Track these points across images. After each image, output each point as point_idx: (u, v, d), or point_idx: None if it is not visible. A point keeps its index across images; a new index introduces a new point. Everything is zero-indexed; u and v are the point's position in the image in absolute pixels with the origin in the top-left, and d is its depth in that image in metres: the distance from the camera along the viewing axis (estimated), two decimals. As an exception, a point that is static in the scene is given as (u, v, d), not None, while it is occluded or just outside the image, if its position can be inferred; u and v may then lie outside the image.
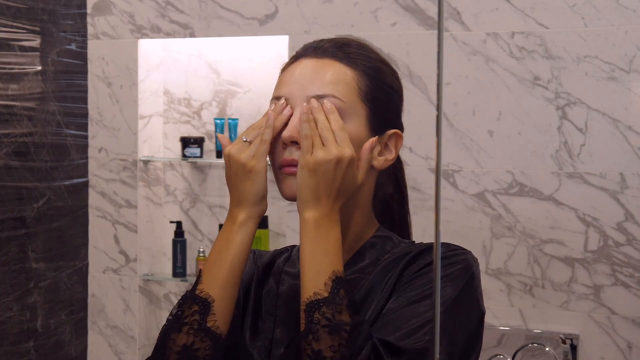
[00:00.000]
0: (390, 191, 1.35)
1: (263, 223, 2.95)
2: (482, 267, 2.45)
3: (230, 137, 2.98)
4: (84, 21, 3.06)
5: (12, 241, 2.75)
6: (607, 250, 2.53)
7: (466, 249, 1.23)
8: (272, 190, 1.25)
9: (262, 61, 3.05)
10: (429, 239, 1.27)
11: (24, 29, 2.78)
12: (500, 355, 2.59)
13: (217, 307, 1.18)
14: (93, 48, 3.08)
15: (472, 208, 2.64)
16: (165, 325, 1.21)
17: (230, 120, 3.01)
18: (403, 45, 2.70)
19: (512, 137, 2.60)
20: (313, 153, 1.16)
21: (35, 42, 2.84)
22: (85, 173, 3.10)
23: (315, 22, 2.80)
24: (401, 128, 1.30)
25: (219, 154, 3.05)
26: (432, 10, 2.67)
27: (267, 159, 1.23)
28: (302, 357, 1.11)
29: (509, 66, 2.59)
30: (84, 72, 3.08)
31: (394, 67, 1.32)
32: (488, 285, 2.62)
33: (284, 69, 1.29)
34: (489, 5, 2.61)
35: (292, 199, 1.21)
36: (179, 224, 3.11)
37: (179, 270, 3.08)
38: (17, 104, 2.76)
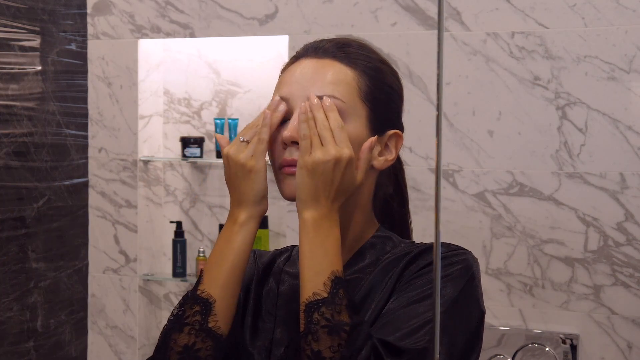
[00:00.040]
0: (390, 191, 1.35)
1: (263, 223, 2.95)
2: (482, 267, 2.45)
3: (230, 137, 2.98)
4: (84, 21, 3.06)
5: (12, 241, 2.75)
6: (607, 250, 2.53)
7: (466, 249, 1.23)
8: (272, 190, 1.25)
9: (262, 61, 3.05)
10: (429, 239, 1.27)
11: (24, 29, 2.78)
12: (500, 355, 2.59)
13: (218, 307, 1.18)
14: (93, 48, 3.08)
15: (472, 208, 2.64)
16: (166, 325, 1.20)
17: (230, 120, 3.01)
18: (403, 45, 2.70)
19: (512, 137, 2.60)
20: (311, 153, 1.16)
21: (35, 42, 2.84)
22: (85, 173, 3.10)
23: (315, 22, 2.80)
24: (401, 128, 1.29)
25: (219, 154, 3.05)
26: (432, 10, 2.67)
27: (267, 158, 1.23)
28: (302, 357, 1.11)
29: (509, 66, 2.59)
30: (84, 72, 3.08)
31: (394, 67, 1.31)
32: (488, 285, 2.62)
33: (284, 69, 1.29)
34: (489, 5, 2.61)
35: (292, 199, 1.21)
36: (179, 224, 3.11)
37: (179, 270, 3.08)
38: (17, 104, 2.76)
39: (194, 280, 3.07)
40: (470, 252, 1.23)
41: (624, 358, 2.53)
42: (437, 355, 0.88)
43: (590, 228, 2.54)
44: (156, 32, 3.00)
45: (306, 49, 1.28)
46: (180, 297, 3.18)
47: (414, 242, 1.32)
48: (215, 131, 3.04)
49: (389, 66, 1.30)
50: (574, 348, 2.55)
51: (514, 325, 2.62)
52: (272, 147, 1.23)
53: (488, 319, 2.48)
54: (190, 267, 3.13)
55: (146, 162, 3.11)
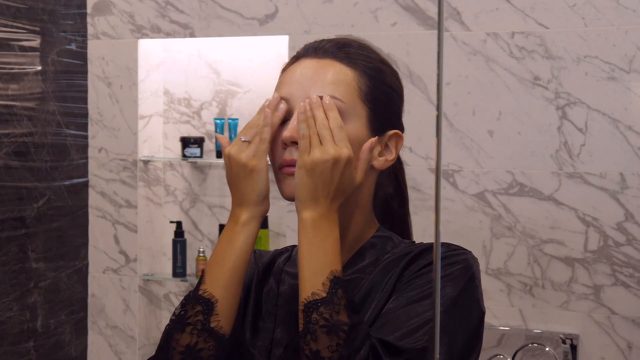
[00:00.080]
0: (390, 191, 1.35)
1: (263, 223, 2.93)
2: (482, 267, 2.45)
3: (230, 137, 2.98)
4: (84, 21, 3.06)
5: (12, 241, 2.75)
6: (607, 250, 2.53)
7: (466, 249, 1.23)
8: (272, 190, 1.25)
9: (262, 61, 3.05)
10: (429, 239, 1.27)
11: (24, 29, 2.78)
12: (500, 355, 2.59)
13: (220, 307, 1.18)
14: (93, 48, 3.08)
15: (472, 208, 2.64)
16: (168, 325, 1.20)
17: (230, 120, 3.01)
18: (403, 45, 2.70)
19: (512, 137, 2.60)
20: (310, 153, 1.16)
21: (35, 42, 2.84)
22: (85, 173, 3.10)
23: (315, 22, 2.80)
24: (401, 128, 1.29)
25: (219, 154, 3.05)
26: (432, 10, 2.67)
27: (267, 157, 1.23)
28: (301, 357, 1.11)
29: (509, 66, 2.59)
30: (84, 72, 3.08)
31: (395, 68, 1.31)
32: (488, 285, 2.62)
33: (284, 69, 1.29)
34: (489, 5, 2.61)
35: (292, 199, 1.20)
36: (179, 224, 3.11)
37: (179, 270, 3.08)
38: (17, 104, 2.76)
39: (194, 280, 3.07)
40: (470, 252, 1.23)
41: (624, 358, 2.53)
42: (437, 355, 0.88)
43: (590, 228, 2.54)
44: (156, 32, 3.00)
45: (306, 49, 1.27)
46: (180, 297, 3.19)
47: (414, 242, 1.32)
48: (216, 131, 3.04)
49: (389, 66, 1.30)
50: (574, 348, 2.55)
51: (514, 325, 2.62)
52: (272, 147, 1.23)
53: (488, 319, 2.48)
54: (190, 267, 3.13)
55: (146, 162, 3.11)
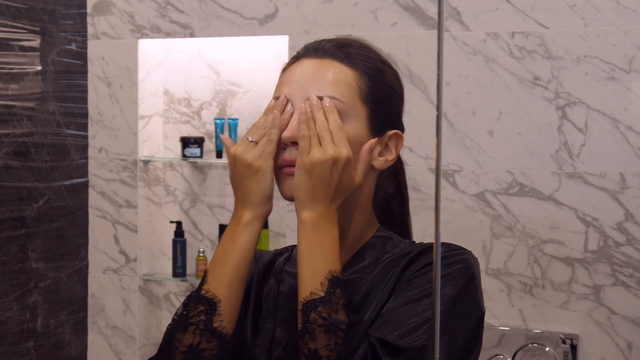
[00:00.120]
0: (390, 191, 1.35)
1: (263, 223, 2.94)
2: (482, 267, 2.45)
3: (230, 137, 2.98)
4: (84, 21, 3.06)
5: (12, 241, 2.75)
6: (607, 250, 2.53)
7: (466, 249, 1.23)
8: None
9: (262, 61, 3.05)
10: (429, 239, 1.28)
11: (24, 29, 2.78)
12: (500, 355, 2.59)
13: (223, 307, 1.18)
14: (93, 48, 3.08)
15: (472, 208, 2.64)
16: (170, 325, 1.20)
17: (230, 120, 3.01)
18: (403, 45, 2.70)
19: (512, 137, 2.60)
20: (310, 153, 1.17)
21: (35, 42, 2.84)
22: (85, 173, 3.10)
23: (315, 22, 2.80)
24: (402, 128, 1.29)
25: (219, 154, 3.05)
26: (432, 10, 2.67)
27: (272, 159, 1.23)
28: (300, 356, 1.11)
29: (509, 66, 2.59)
30: (84, 72, 3.08)
31: (395, 68, 1.31)
32: (488, 285, 2.62)
33: (284, 69, 1.29)
34: (489, 5, 2.61)
35: (291, 199, 1.21)
36: (179, 224, 3.11)
37: (179, 270, 3.08)
38: (17, 104, 2.76)
39: (194, 280, 3.07)
40: (470, 252, 1.23)
41: (624, 358, 2.53)
42: (437, 355, 0.88)
43: (590, 228, 2.54)
44: (156, 32, 3.00)
45: (306, 49, 1.28)
46: (180, 297, 3.19)
47: (414, 242, 1.32)
48: (216, 131, 3.04)
49: (390, 66, 1.30)
50: (574, 348, 2.55)
51: (514, 325, 2.62)
52: None
53: (488, 319, 2.49)
54: (190, 267, 3.13)
55: (146, 162, 3.11)
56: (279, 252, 1.37)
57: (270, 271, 1.34)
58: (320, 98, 1.20)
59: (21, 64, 2.78)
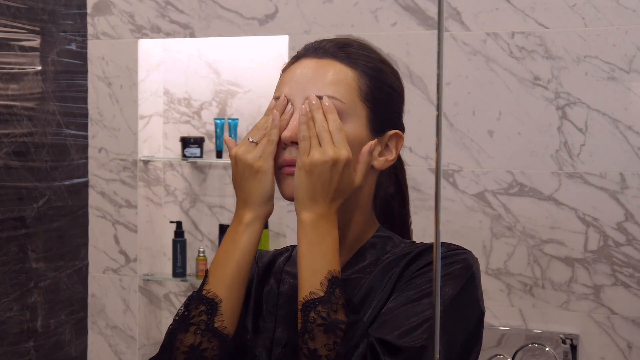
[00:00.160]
0: (390, 191, 1.35)
1: (263, 223, 2.94)
2: (482, 267, 2.45)
3: (231, 138, 2.98)
4: (84, 21, 3.06)
5: (12, 241, 2.75)
6: (607, 250, 2.53)
7: (466, 249, 1.23)
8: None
9: (262, 61, 3.05)
10: (429, 239, 1.28)
11: (24, 29, 2.78)
12: (500, 355, 2.59)
13: (224, 307, 1.18)
14: (93, 48, 3.08)
15: (472, 208, 2.64)
16: (171, 325, 1.21)
17: (230, 120, 3.01)
18: (403, 45, 2.70)
19: (512, 137, 2.60)
20: (309, 154, 1.17)
21: (35, 42, 2.84)
22: (85, 173, 3.10)
23: (315, 22, 2.80)
24: (402, 128, 1.29)
25: (219, 154, 3.05)
26: (432, 10, 2.67)
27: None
28: (299, 356, 1.11)
29: (509, 66, 2.59)
30: (84, 72, 3.08)
31: (395, 68, 1.31)
32: (488, 285, 2.62)
33: (284, 69, 1.29)
34: (489, 5, 2.61)
35: (291, 199, 1.21)
36: (179, 224, 3.11)
37: (179, 270, 3.08)
38: (17, 104, 2.76)
39: (194, 280, 3.08)
40: (470, 251, 1.23)
41: (624, 358, 2.53)
42: (437, 355, 0.88)
43: (590, 228, 2.54)
44: (156, 32, 3.00)
45: (306, 49, 1.28)
46: (180, 297, 3.19)
47: (414, 242, 1.32)
48: (216, 131, 3.04)
49: (390, 66, 1.30)
50: (574, 348, 2.55)
51: (514, 325, 2.62)
52: None
53: (488, 319, 2.49)
54: (190, 267, 3.13)
55: (146, 162, 3.11)
56: (279, 252, 1.37)
57: (270, 271, 1.34)
58: (320, 98, 1.20)
59: (21, 64, 2.78)
